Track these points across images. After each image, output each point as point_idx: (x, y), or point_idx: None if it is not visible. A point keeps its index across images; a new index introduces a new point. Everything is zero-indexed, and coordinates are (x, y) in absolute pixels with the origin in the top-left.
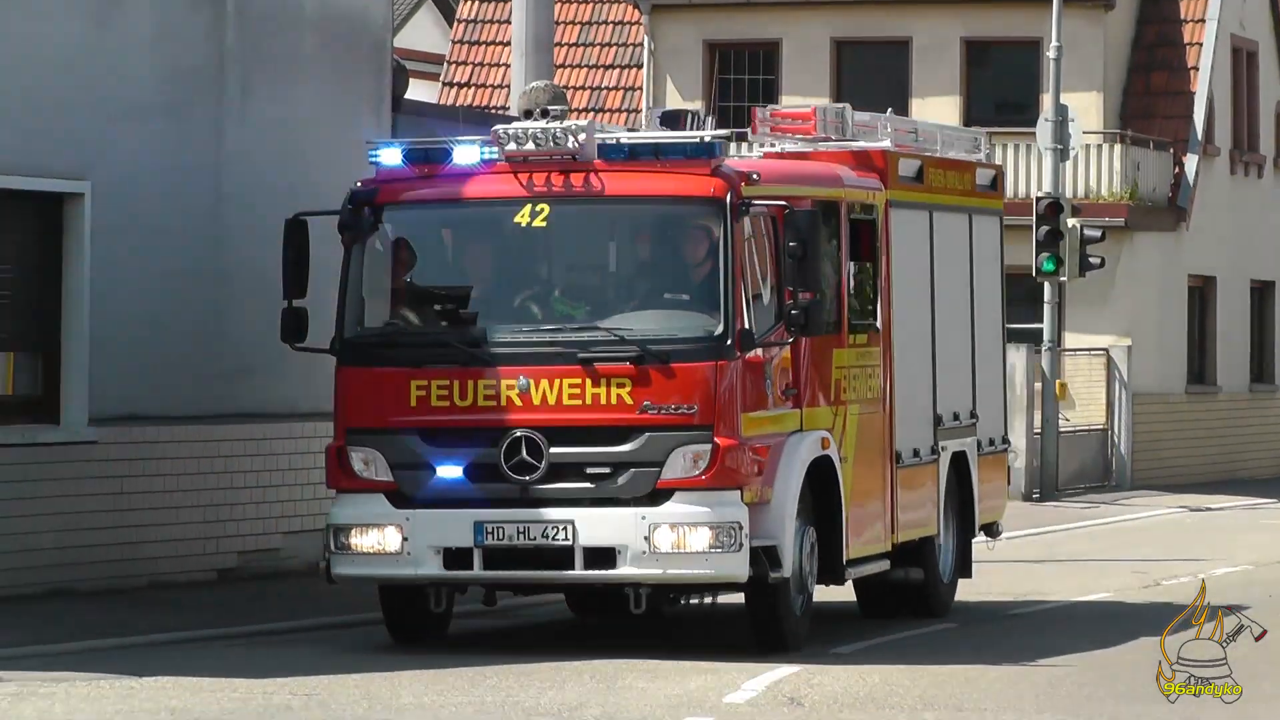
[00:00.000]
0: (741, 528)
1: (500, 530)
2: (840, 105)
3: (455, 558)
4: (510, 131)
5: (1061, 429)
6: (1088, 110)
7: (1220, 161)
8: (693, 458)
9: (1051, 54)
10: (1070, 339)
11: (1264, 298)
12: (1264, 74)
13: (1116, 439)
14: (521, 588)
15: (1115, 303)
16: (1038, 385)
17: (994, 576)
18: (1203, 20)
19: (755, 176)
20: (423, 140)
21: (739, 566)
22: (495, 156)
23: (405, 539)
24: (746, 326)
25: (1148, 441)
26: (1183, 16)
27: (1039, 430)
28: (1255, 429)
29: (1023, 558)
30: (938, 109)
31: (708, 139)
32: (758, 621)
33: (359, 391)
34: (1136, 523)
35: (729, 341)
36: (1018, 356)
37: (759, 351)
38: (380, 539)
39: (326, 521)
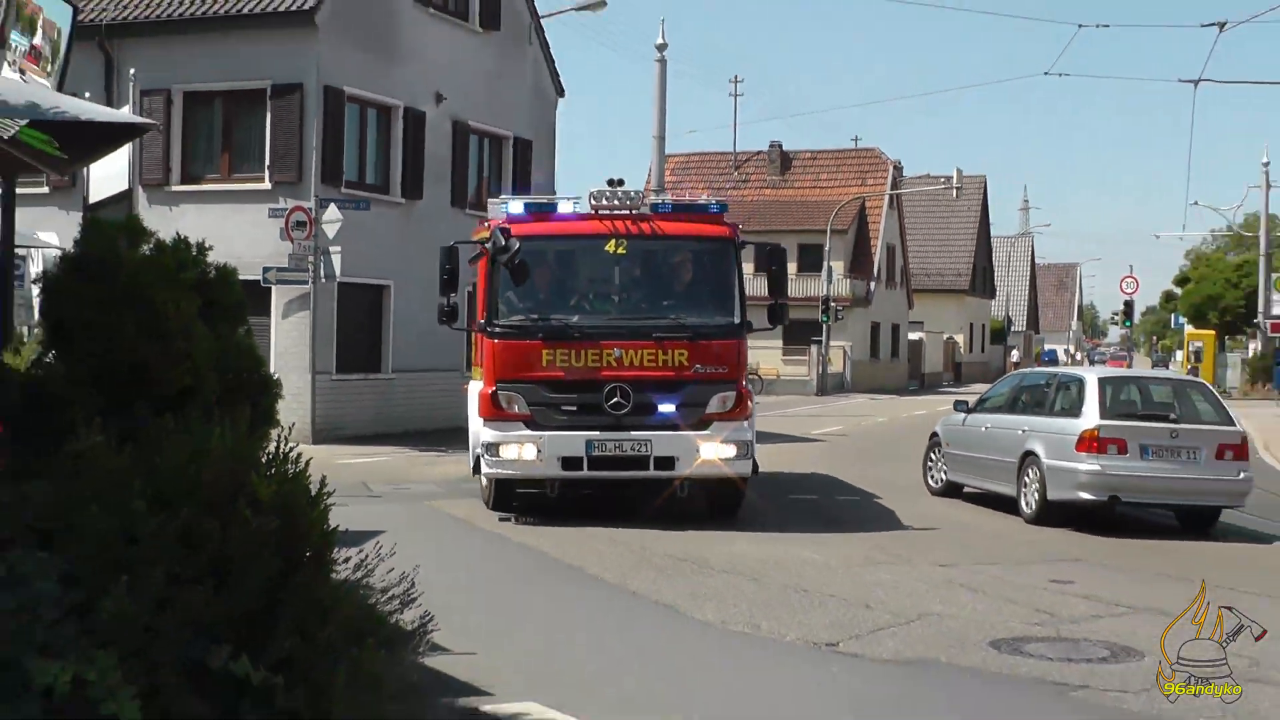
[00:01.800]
0: (752, 444)
1: (603, 445)
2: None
3: (571, 463)
4: (600, 192)
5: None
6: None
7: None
8: (723, 399)
9: (828, 247)
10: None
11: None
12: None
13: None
14: (613, 483)
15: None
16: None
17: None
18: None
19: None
20: (535, 197)
21: (749, 467)
22: (585, 209)
23: (539, 451)
24: (748, 318)
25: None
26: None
27: (820, 371)
28: None
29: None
30: None
31: (717, 202)
32: (737, 501)
33: (506, 357)
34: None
35: (741, 327)
36: (814, 349)
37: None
38: (520, 451)
39: (480, 440)
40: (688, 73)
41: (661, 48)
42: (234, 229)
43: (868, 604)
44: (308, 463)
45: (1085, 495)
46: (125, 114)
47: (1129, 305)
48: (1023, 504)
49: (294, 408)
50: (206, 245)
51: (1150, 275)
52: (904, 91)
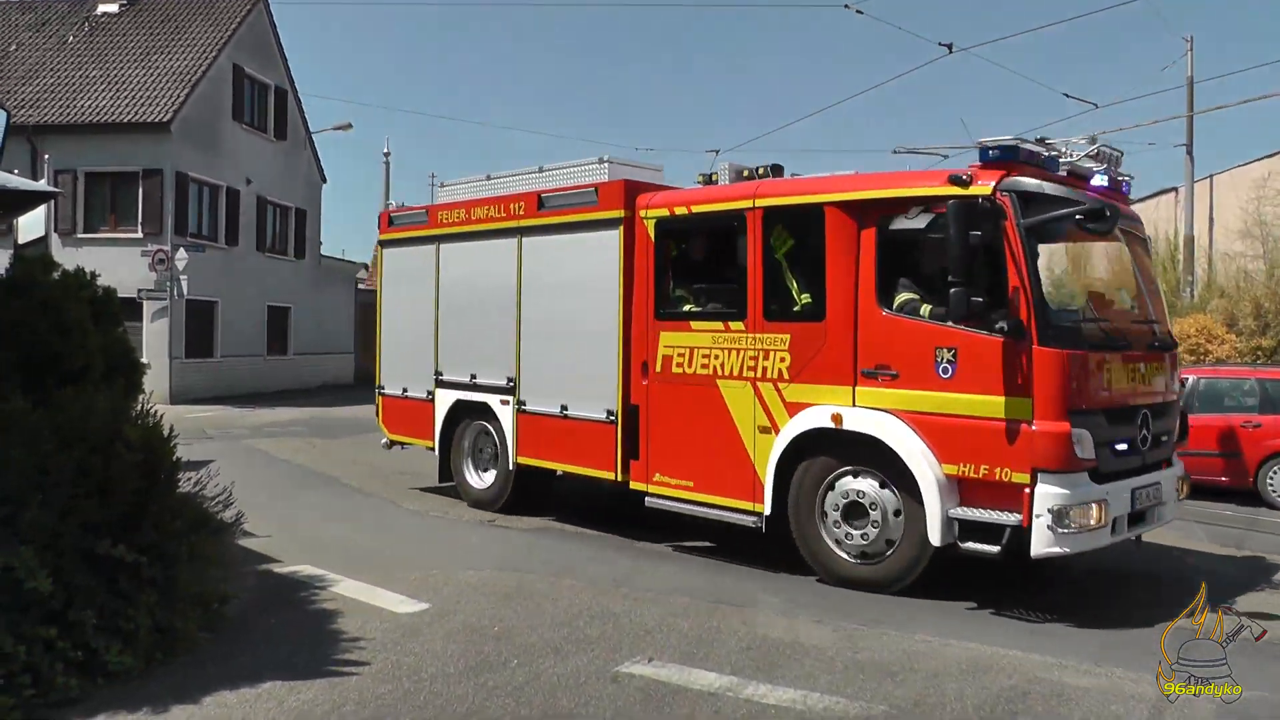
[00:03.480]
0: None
1: (1141, 495)
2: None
3: (1117, 524)
4: (1103, 153)
5: None
6: None
7: None
8: (1178, 425)
9: None
10: None
11: None
12: None
13: None
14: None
15: None
16: None
17: None
18: None
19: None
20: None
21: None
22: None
23: (1103, 513)
24: None
25: None
26: None
27: None
28: None
29: None
30: None
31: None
32: None
33: (1070, 375)
34: None
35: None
36: None
37: None
38: (1089, 515)
39: (1043, 504)
40: (403, 169)
41: (387, 155)
42: (118, 264)
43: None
44: (162, 416)
45: None
46: (42, 185)
47: None
48: None
49: (158, 381)
50: (97, 274)
51: None
52: None
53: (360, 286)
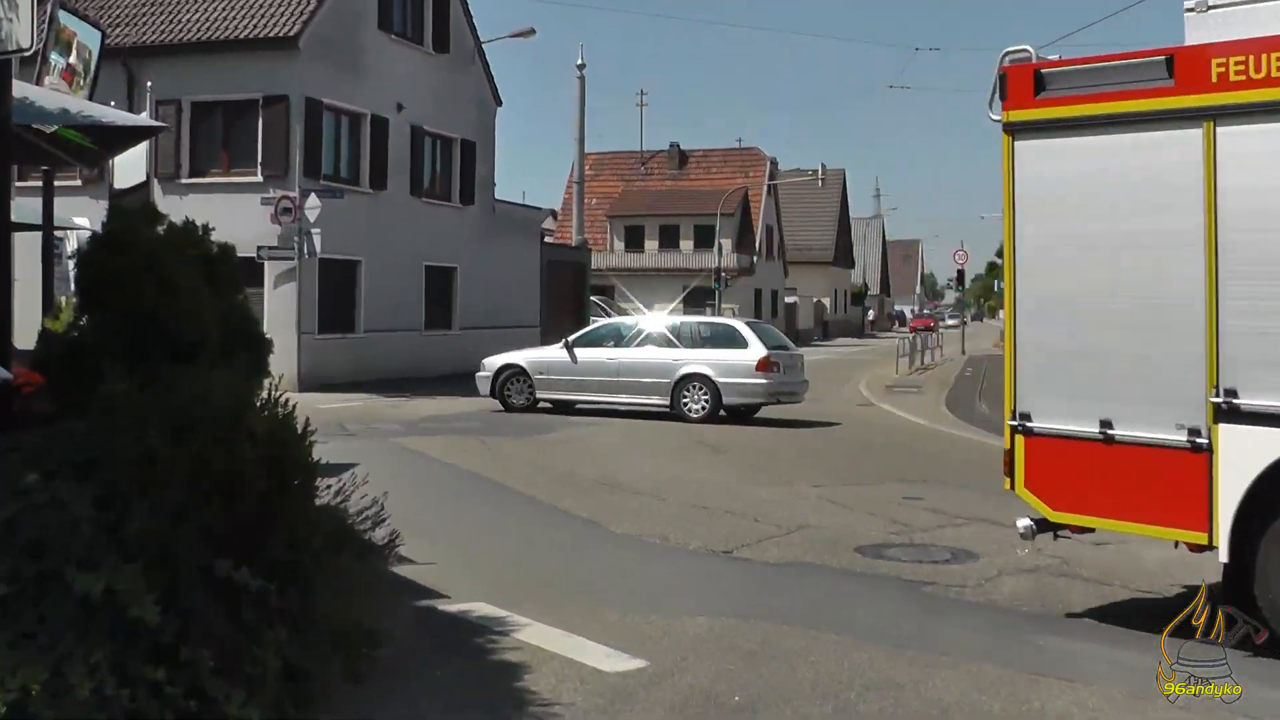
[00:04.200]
0: None
1: None
2: None
3: None
4: None
5: None
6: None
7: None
8: None
9: (718, 228)
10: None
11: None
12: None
13: None
14: None
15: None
16: None
17: None
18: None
19: None
20: None
21: None
22: None
23: None
24: None
25: None
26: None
27: None
28: None
29: None
30: None
31: None
32: None
33: None
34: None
35: None
36: (709, 311)
37: None
38: None
39: None
40: (602, 87)
41: (581, 67)
42: (232, 214)
43: (755, 518)
44: (294, 406)
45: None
46: (143, 118)
47: (961, 273)
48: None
49: (283, 361)
50: (210, 227)
51: (978, 249)
52: (778, 101)
53: (548, 240)
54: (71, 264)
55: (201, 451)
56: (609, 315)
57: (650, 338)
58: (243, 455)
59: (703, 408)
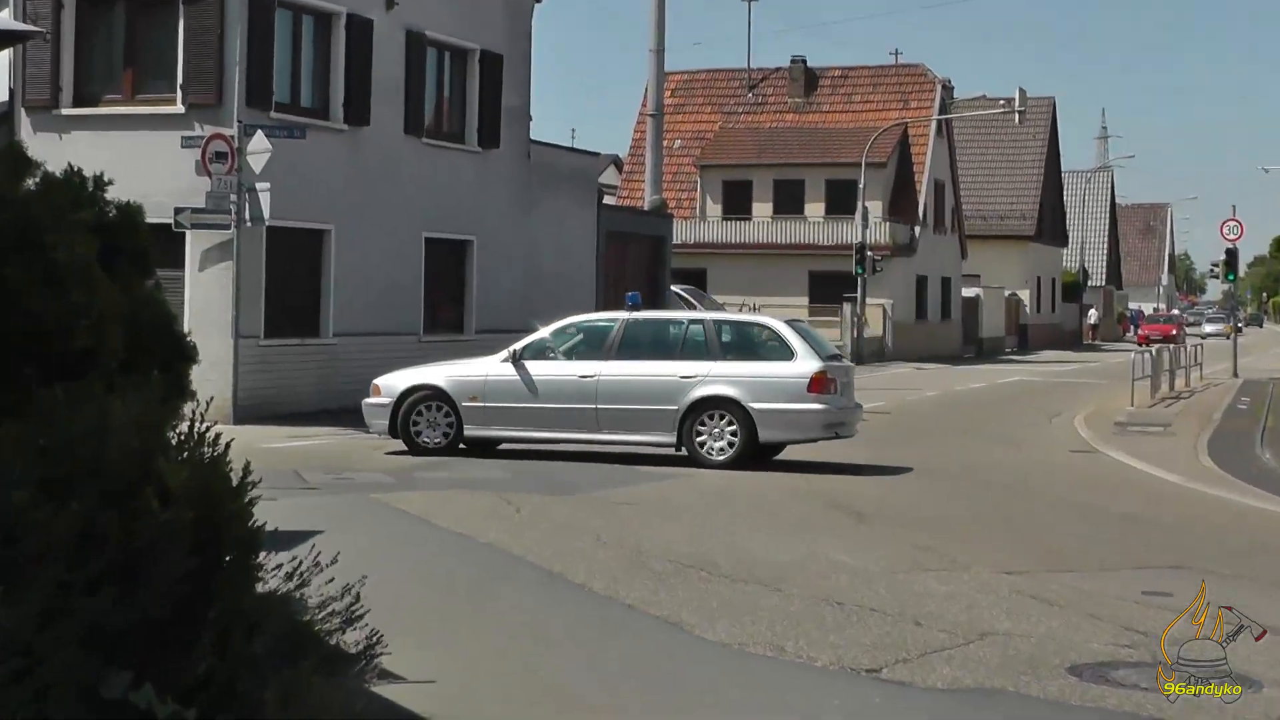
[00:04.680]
0: None
1: None
2: None
3: None
4: None
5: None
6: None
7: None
8: None
9: (862, 184)
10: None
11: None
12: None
13: (887, 340)
14: None
15: (885, 286)
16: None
17: None
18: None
19: None
20: None
21: None
22: None
23: None
24: None
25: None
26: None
27: (855, 335)
28: None
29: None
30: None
31: None
32: None
33: None
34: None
35: None
36: (848, 308)
37: None
38: None
39: None
40: None
41: None
42: (139, 161)
43: (917, 620)
44: (228, 445)
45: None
46: (4, 18)
47: (1232, 255)
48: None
49: (212, 378)
50: (107, 180)
51: (1258, 218)
52: None
53: (609, 200)
54: None
55: (88, 514)
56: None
57: (643, 344)
58: (151, 520)
59: (729, 445)
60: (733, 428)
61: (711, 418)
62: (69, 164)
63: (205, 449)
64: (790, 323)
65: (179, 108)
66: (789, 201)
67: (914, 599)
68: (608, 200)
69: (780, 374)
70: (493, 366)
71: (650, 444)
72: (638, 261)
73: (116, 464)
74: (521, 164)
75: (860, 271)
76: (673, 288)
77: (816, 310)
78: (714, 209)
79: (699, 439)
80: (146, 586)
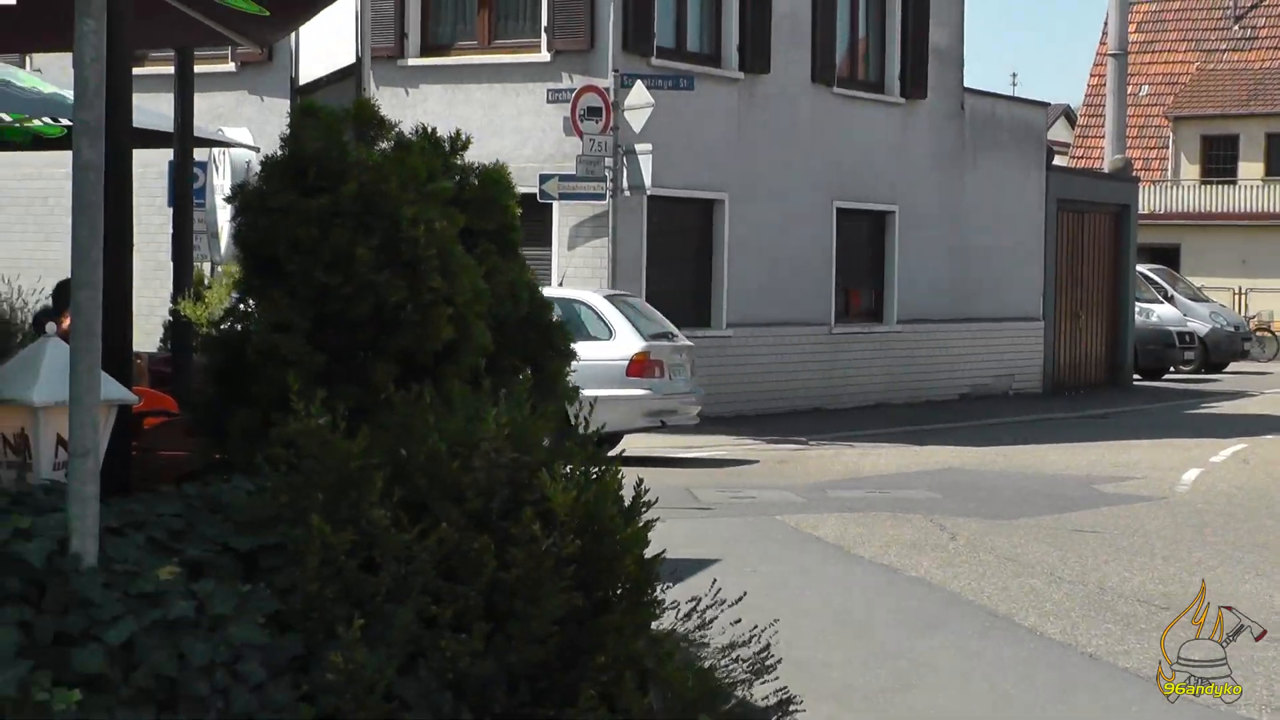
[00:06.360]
0: None
1: None
2: None
3: None
4: None
5: None
6: None
7: None
8: None
9: None
10: None
11: None
12: None
13: None
14: None
15: None
16: None
17: None
18: None
19: None
20: None
21: None
22: None
23: None
24: None
25: None
26: None
27: None
28: None
29: None
30: None
31: None
32: None
33: None
34: None
35: None
36: None
37: None
38: None
39: None
40: None
41: None
42: (497, 119)
43: None
44: (618, 458)
45: None
46: None
47: None
48: None
49: None
50: (466, 139)
51: None
52: None
53: (1059, 161)
54: (223, 206)
55: (455, 542)
56: (1166, 298)
57: None
58: (528, 548)
59: None
60: None
61: None
62: (420, 124)
63: (592, 466)
64: (613, 297)
65: (544, 55)
66: None
67: None
68: (1058, 161)
69: (594, 357)
70: None
71: None
72: (1095, 236)
73: (485, 484)
74: (953, 117)
75: None
76: (1138, 268)
77: None
78: (1190, 170)
79: None
80: (523, 625)
